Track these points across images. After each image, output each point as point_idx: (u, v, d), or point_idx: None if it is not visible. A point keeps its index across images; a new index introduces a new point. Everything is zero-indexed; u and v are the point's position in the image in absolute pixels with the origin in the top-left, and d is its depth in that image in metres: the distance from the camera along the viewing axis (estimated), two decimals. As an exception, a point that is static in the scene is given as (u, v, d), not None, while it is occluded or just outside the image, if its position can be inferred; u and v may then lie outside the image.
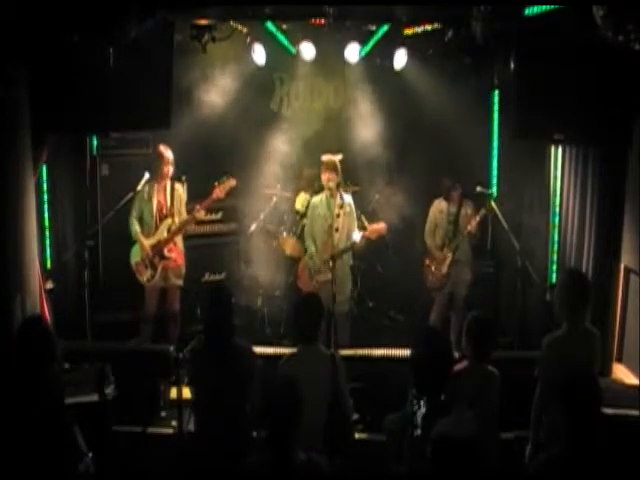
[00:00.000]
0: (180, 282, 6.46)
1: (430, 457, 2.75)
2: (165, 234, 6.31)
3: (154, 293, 6.43)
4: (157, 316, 6.47)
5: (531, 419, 4.16)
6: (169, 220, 6.33)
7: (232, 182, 6.33)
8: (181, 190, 6.41)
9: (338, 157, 6.39)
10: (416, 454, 3.07)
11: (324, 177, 6.32)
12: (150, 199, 6.30)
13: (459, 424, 2.81)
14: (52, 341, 3.67)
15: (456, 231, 6.55)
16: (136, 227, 6.30)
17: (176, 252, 6.38)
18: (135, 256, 6.34)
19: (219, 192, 6.29)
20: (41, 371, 3.56)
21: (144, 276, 6.34)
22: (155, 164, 6.28)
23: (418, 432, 3.24)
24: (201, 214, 6.38)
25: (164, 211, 6.35)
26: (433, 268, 6.61)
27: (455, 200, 6.61)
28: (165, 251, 6.30)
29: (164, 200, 6.34)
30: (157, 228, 6.32)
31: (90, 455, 3.73)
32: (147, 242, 6.30)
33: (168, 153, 6.27)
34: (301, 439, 3.03)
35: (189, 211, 6.39)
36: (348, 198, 6.48)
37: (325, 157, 6.38)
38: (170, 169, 6.29)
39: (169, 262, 6.33)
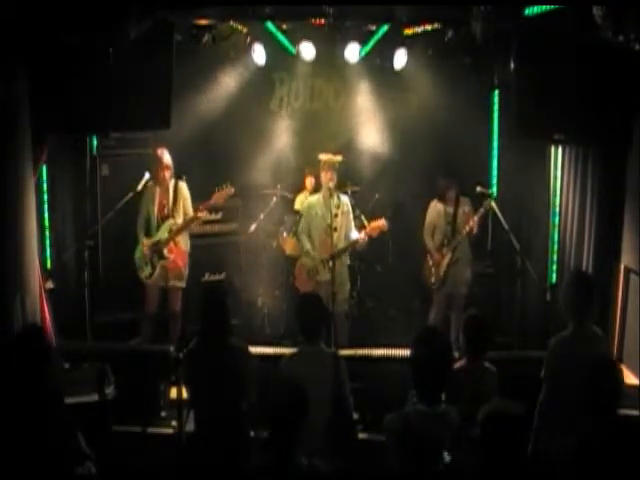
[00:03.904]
0: (180, 284, 6.44)
1: (480, 438, 2.82)
2: (166, 234, 6.32)
3: (154, 292, 6.42)
4: (158, 316, 6.47)
5: (535, 419, 4.15)
6: (171, 221, 6.33)
7: (231, 190, 6.32)
8: (185, 189, 6.42)
9: (338, 158, 6.39)
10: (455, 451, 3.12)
11: (325, 176, 6.32)
12: (153, 200, 6.33)
13: (504, 404, 2.87)
14: (48, 351, 3.63)
15: (454, 231, 6.51)
16: (138, 227, 6.36)
17: (176, 253, 6.37)
18: (138, 252, 6.38)
19: (217, 198, 6.29)
20: (38, 378, 3.53)
21: (144, 273, 6.36)
22: (153, 167, 6.30)
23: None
24: (204, 214, 6.37)
25: (165, 211, 6.36)
26: (432, 267, 6.59)
27: (451, 200, 6.56)
28: (164, 251, 6.31)
29: (166, 201, 6.36)
30: (158, 228, 6.34)
31: (93, 459, 3.71)
32: (146, 241, 6.32)
33: (165, 157, 6.28)
34: (303, 440, 3.03)
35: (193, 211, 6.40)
36: (344, 198, 6.51)
37: (325, 156, 6.37)
38: (167, 173, 6.30)
39: (168, 262, 6.33)
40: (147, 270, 6.35)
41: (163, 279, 6.36)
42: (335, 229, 6.28)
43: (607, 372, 3.26)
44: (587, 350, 4.10)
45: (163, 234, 6.32)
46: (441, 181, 6.60)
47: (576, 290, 4.19)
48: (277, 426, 2.99)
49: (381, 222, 6.32)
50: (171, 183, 6.36)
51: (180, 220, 6.35)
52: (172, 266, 6.36)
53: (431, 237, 6.64)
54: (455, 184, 6.53)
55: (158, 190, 6.34)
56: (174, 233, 6.32)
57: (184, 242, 6.47)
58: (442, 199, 6.59)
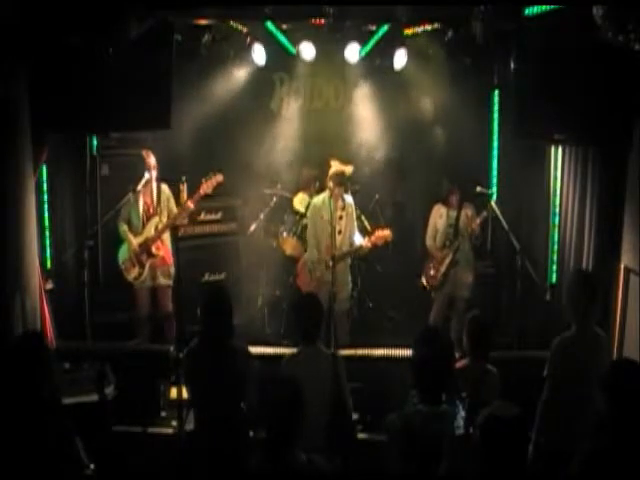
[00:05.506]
0: (169, 282, 6.44)
1: (479, 441, 2.79)
2: (152, 232, 6.33)
3: (144, 293, 6.42)
4: (151, 317, 6.47)
5: (536, 419, 4.15)
6: (156, 219, 6.35)
7: (219, 178, 6.31)
8: (168, 191, 6.42)
9: (349, 170, 6.33)
10: (458, 453, 3.10)
11: (333, 188, 6.15)
12: (137, 201, 6.33)
13: (503, 407, 2.85)
14: (47, 360, 3.61)
15: (456, 233, 6.55)
16: (124, 227, 6.34)
17: (164, 250, 6.38)
18: (123, 255, 6.36)
19: (206, 187, 6.27)
20: (37, 387, 3.51)
21: (132, 274, 6.34)
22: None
23: (461, 432, 3.29)
24: (190, 206, 6.30)
25: (151, 211, 6.38)
26: (432, 267, 6.63)
27: (454, 204, 6.60)
28: (153, 249, 6.31)
29: (150, 201, 6.37)
30: (144, 227, 6.35)
31: (92, 467, 3.70)
32: (135, 240, 6.32)
33: (150, 159, 6.28)
34: (302, 439, 3.03)
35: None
36: (349, 199, 6.46)
37: (336, 167, 6.24)
38: (153, 173, 6.29)
39: (157, 260, 6.35)
40: (135, 271, 6.33)
41: (152, 279, 6.38)
42: (339, 232, 6.26)
43: (630, 373, 3.20)
44: (589, 350, 4.11)
45: (149, 232, 6.33)
46: (445, 184, 6.66)
47: (579, 290, 4.19)
48: (274, 424, 2.99)
49: (387, 232, 6.29)
50: (154, 185, 6.36)
51: (165, 219, 6.35)
52: (160, 264, 6.37)
53: (434, 240, 6.69)
54: (458, 187, 6.57)
55: (142, 193, 6.33)
56: (160, 230, 6.33)
57: (169, 241, 6.46)
58: (446, 202, 6.65)
